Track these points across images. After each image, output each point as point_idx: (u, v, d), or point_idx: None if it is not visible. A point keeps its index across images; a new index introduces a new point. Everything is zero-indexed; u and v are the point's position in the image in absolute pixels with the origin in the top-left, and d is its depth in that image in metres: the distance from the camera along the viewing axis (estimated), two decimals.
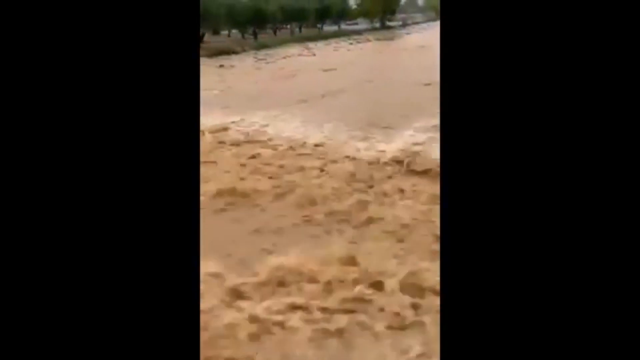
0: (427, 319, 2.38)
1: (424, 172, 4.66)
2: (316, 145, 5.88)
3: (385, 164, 5.07)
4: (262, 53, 22.41)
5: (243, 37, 29.65)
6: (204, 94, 10.93)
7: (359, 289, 2.66)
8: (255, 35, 29.39)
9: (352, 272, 2.82)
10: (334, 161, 5.25)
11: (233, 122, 7.36)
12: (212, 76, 14.33)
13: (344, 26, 41.44)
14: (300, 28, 34.58)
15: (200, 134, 6.50)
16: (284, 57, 19.79)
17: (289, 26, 33.38)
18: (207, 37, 25.51)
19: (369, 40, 28.12)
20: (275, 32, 31.35)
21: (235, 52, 22.55)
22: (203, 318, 2.33)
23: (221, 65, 17.51)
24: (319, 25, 37.30)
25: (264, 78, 13.39)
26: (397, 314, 2.47)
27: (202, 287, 2.59)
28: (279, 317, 2.43)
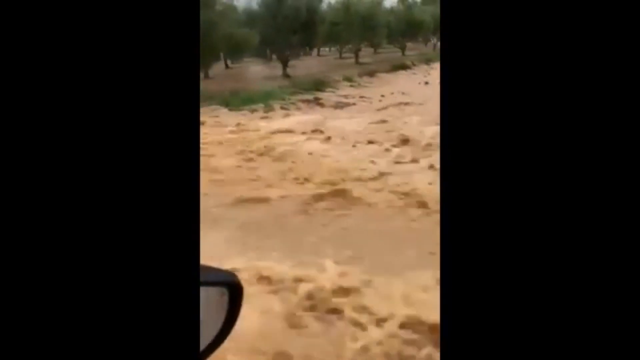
0: None
1: None
2: None
3: None
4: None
5: (375, 51, 26.72)
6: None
7: None
8: (403, 49, 26.47)
9: None
10: None
11: None
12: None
13: None
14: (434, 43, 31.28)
15: None
16: None
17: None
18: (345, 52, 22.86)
19: None
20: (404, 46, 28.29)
21: (408, 67, 19.67)
22: None
23: (426, 83, 14.61)
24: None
25: None
26: None
27: None
28: None
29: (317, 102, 12.05)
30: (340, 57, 26.00)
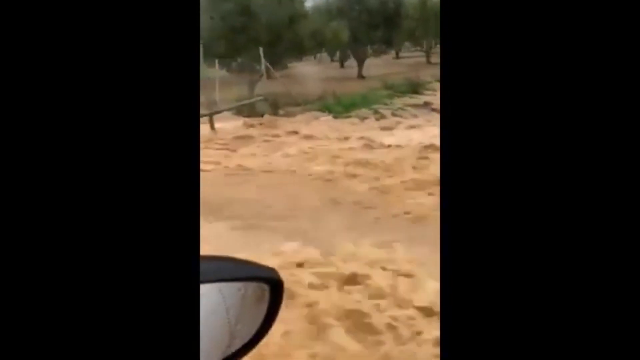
0: None
1: None
2: None
3: None
4: None
5: (428, 60, 24.29)
6: None
7: None
8: None
9: None
10: None
11: None
12: None
13: None
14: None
15: None
16: None
17: None
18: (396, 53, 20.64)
19: None
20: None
21: None
22: None
23: None
24: None
25: None
26: None
27: None
28: None
29: (430, 107, 10.02)
30: (397, 57, 23.94)
